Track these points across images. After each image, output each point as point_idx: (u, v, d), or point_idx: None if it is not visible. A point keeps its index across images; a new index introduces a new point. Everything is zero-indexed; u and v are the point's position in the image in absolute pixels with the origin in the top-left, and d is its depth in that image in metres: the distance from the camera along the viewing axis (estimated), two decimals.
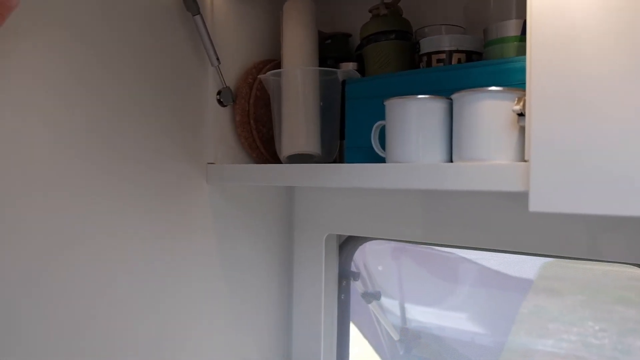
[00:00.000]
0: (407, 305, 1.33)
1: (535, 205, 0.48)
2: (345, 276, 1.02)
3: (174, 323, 0.82)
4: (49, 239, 0.66)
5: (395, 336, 1.26)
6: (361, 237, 0.98)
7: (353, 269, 1.04)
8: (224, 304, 0.91)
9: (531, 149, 0.49)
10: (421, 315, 1.34)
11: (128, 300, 0.76)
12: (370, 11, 0.83)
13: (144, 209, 0.77)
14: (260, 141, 0.88)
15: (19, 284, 0.63)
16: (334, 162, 0.83)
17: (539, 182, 0.48)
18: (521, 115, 0.53)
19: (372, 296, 1.08)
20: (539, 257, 1.26)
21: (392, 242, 1.15)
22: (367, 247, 1.02)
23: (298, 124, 0.81)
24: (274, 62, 0.90)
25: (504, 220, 0.77)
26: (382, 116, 0.65)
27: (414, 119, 0.61)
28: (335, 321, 1.03)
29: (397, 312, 1.31)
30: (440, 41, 0.71)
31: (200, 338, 0.87)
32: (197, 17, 0.79)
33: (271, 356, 1.02)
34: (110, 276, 0.73)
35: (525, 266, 1.29)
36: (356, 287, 1.08)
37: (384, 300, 1.22)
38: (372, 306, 1.12)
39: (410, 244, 1.28)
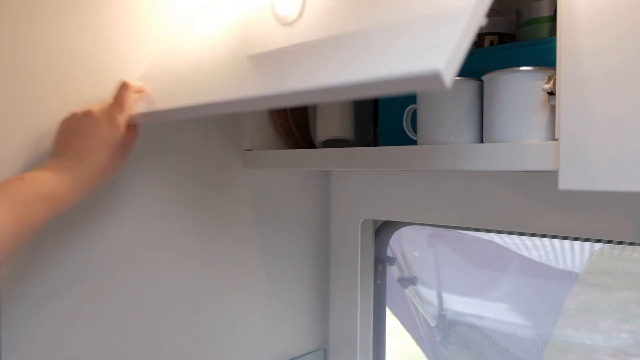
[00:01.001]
0: (444, 293, 1.33)
1: (565, 183, 0.48)
2: (381, 261, 1.03)
3: (214, 309, 0.86)
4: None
5: (432, 322, 1.27)
6: (397, 222, 1.00)
7: (389, 254, 1.06)
8: (262, 289, 0.94)
9: (561, 128, 0.49)
10: (458, 303, 1.34)
11: (174, 284, 0.80)
12: None
13: (188, 199, 0.81)
14: (296, 128, 0.90)
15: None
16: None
17: (569, 160, 0.48)
18: (551, 94, 0.53)
19: (409, 281, 1.09)
20: (585, 249, 1.23)
21: (429, 228, 1.16)
22: (404, 232, 1.03)
23: (332, 111, 0.83)
24: None
25: (546, 204, 0.75)
26: (413, 100, 0.66)
27: (446, 101, 0.61)
28: (372, 305, 1.04)
29: (434, 298, 1.32)
30: None
31: (240, 322, 0.91)
32: None
33: (309, 340, 1.05)
34: (161, 263, 0.78)
35: (570, 258, 1.26)
36: (392, 272, 1.09)
37: (420, 287, 1.23)
38: (408, 291, 1.13)
39: (448, 231, 1.28)
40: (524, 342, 1.29)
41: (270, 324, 0.96)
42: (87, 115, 0.61)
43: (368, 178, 0.97)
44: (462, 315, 1.33)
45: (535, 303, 1.31)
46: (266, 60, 0.53)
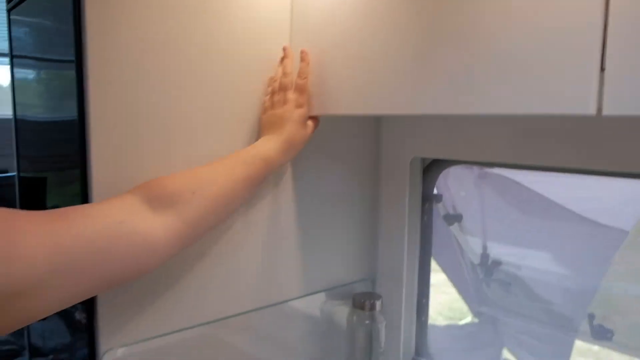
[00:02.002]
0: (488, 234, 1.37)
1: (609, 109, 0.50)
2: (428, 198, 1.08)
3: (266, 242, 0.94)
4: None
5: (476, 260, 1.32)
6: (445, 161, 1.03)
7: (436, 192, 1.10)
8: (312, 226, 1.01)
9: (606, 57, 0.51)
10: (501, 246, 1.38)
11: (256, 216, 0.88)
12: None
13: (243, 138, 0.88)
14: None
15: None
16: None
17: (614, 87, 0.50)
18: None
19: (454, 218, 1.14)
20: (637, 210, 1.21)
21: (476, 169, 1.19)
22: (451, 171, 1.07)
23: None
24: None
25: (604, 139, 0.76)
26: None
27: None
28: (418, 241, 1.10)
29: (478, 238, 1.36)
30: None
31: (300, 252, 0.99)
32: None
33: (357, 273, 1.12)
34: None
35: (620, 216, 1.25)
36: (438, 210, 1.14)
37: (465, 225, 1.28)
38: (453, 229, 1.18)
39: (495, 174, 1.30)
40: (566, 292, 1.32)
41: (324, 254, 1.04)
42: (281, 103, 0.84)
43: (418, 117, 1.01)
44: (505, 256, 1.37)
45: (581, 256, 1.32)
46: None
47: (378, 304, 1.06)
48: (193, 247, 0.82)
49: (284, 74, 0.85)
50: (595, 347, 1.36)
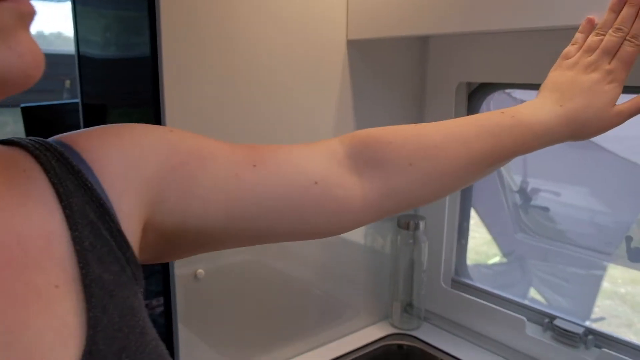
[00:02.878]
0: (528, 165, 1.40)
1: None
2: None
3: None
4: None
5: (515, 187, 1.37)
6: (490, 85, 1.06)
7: None
8: None
9: None
10: (540, 176, 1.40)
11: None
12: None
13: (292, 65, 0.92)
14: None
15: None
16: None
17: None
18: None
19: None
20: None
21: (519, 95, 1.20)
22: (495, 97, 1.09)
23: None
24: None
25: None
26: None
27: None
28: None
29: (517, 166, 1.39)
30: None
31: None
32: None
33: None
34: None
35: None
36: None
37: None
38: None
39: None
40: (602, 226, 1.35)
41: None
42: (591, 68, 0.59)
43: (466, 41, 1.03)
44: (543, 185, 1.41)
45: (617, 193, 1.33)
46: None
47: (422, 224, 1.13)
48: None
49: (616, 29, 0.58)
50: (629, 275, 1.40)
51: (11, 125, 2.88)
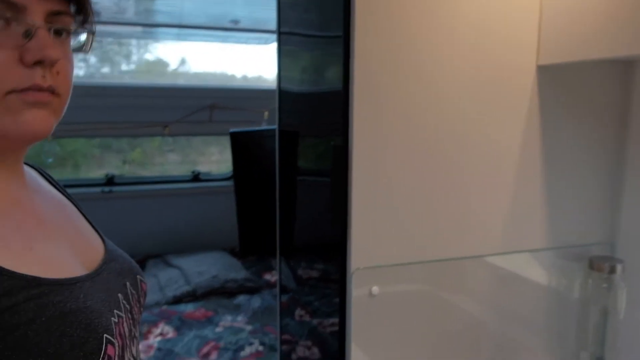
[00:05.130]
0: None
1: None
2: None
3: (511, 189, 0.97)
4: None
5: None
6: None
7: None
8: (553, 180, 1.00)
9: None
10: None
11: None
12: None
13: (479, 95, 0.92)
14: None
15: None
16: None
17: None
18: None
19: None
20: None
21: None
22: None
23: None
24: None
25: None
26: None
27: None
28: None
29: None
30: None
31: (530, 207, 1.00)
32: None
33: (594, 236, 1.07)
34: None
35: None
36: None
37: None
38: None
39: None
40: None
41: (562, 211, 1.02)
42: None
43: None
44: None
45: None
46: None
47: (619, 267, 1.01)
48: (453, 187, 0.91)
49: None
50: None
51: (216, 155, 3.40)
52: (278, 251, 1.37)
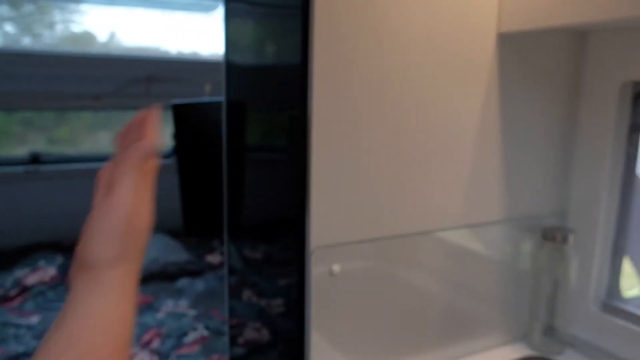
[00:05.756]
0: None
1: None
2: (636, 128, 0.99)
3: (466, 163, 0.95)
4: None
5: None
6: None
7: None
8: (506, 151, 0.99)
9: None
10: None
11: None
12: None
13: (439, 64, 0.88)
14: None
15: None
16: None
17: None
18: None
19: None
20: None
21: None
22: None
23: None
24: None
25: None
26: None
27: None
28: (620, 174, 1.02)
29: None
30: None
31: (484, 180, 0.99)
32: None
33: (546, 206, 1.08)
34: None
35: None
36: None
37: None
38: None
39: None
40: None
41: (514, 183, 1.02)
42: None
43: (634, 34, 0.91)
44: None
45: None
46: None
47: (571, 237, 1.02)
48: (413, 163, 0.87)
49: None
50: None
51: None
52: (226, 231, 1.29)
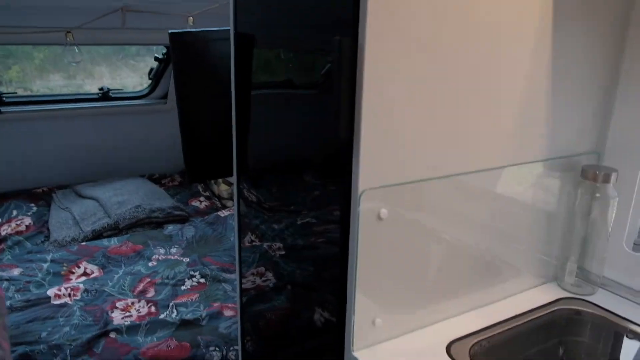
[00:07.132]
0: None
1: None
2: None
3: (499, 112, 0.87)
4: None
5: None
6: None
7: None
8: (545, 89, 0.92)
9: None
10: None
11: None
12: None
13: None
14: None
15: None
16: None
17: None
18: None
19: None
20: None
21: None
22: None
23: None
24: None
25: None
26: None
27: None
28: None
29: None
30: None
31: (520, 128, 0.91)
32: None
33: (583, 145, 1.02)
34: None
35: None
36: None
37: None
38: None
39: None
40: None
41: (552, 120, 0.95)
42: None
43: None
44: None
45: None
46: None
47: (613, 177, 0.97)
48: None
49: None
50: None
51: (126, 70, 3.00)
52: (235, 173, 1.20)
